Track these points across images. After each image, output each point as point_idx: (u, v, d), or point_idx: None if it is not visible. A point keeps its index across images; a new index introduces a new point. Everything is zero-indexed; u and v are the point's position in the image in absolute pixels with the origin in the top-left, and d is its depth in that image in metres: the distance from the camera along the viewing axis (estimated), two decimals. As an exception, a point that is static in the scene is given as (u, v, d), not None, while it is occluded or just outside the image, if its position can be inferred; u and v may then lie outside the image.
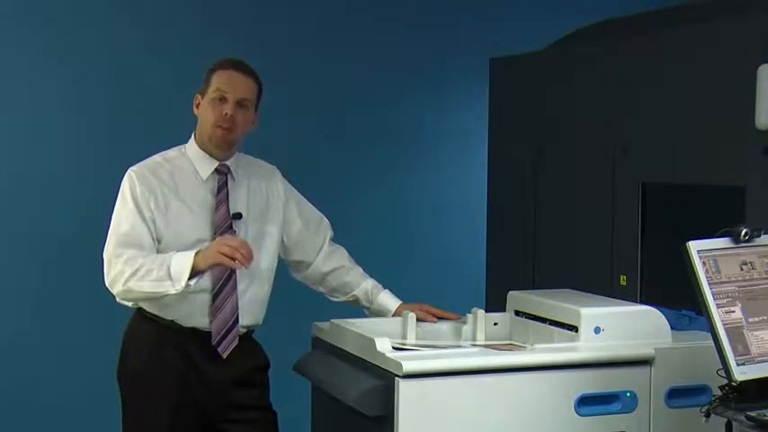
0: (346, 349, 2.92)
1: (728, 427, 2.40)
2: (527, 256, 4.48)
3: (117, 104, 4.93)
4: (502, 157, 4.76)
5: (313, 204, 3.42)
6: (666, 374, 2.79)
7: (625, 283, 3.84)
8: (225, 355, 3.14)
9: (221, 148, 3.18)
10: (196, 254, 3.01)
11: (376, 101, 5.44)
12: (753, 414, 2.31)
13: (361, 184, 5.39)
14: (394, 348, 2.75)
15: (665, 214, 3.77)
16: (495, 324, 3.18)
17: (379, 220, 5.39)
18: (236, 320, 3.14)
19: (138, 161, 3.23)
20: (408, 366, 2.59)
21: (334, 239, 3.43)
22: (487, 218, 4.84)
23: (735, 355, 2.40)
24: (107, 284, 3.14)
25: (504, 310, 3.22)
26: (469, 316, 3.15)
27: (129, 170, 3.20)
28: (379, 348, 2.71)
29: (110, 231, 3.17)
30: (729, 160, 3.39)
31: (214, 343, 3.12)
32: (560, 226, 4.30)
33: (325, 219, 3.41)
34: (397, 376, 2.59)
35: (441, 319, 3.19)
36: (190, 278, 2.99)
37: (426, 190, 5.59)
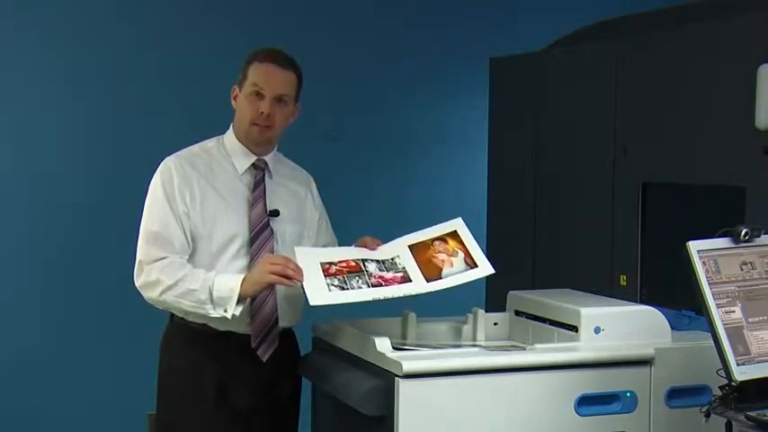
0: (346, 349, 2.92)
1: (728, 427, 2.40)
2: (527, 256, 4.48)
3: (116, 102, 4.92)
4: (502, 157, 4.77)
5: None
6: (666, 374, 2.78)
7: (625, 283, 3.84)
8: (265, 359, 3.03)
9: (258, 144, 3.09)
10: (243, 280, 2.89)
11: (376, 101, 5.44)
12: (753, 414, 2.31)
13: (360, 184, 5.39)
14: (394, 348, 2.74)
15: (665, 214, 3.77)
16: (495, 324, 3.17)
17: (378, 220, 5.35)
18: (276, 321, 3.04)
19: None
20: (408, 366, 2.59)
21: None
22: (487, 218, 4.84)
23: (735, 355, 2.40)
24: (137, 285, 2.99)
25: (504, 310, 3.22)
26: (469, 316, 3.14)
27: (164, 160, 3.06)
28: (379, 348, 2.71)
29: (141, 226, 3.03)
30: (729, 160, 3.39)
31: (254, 346, 3.01)
32: (560, 226, 4.31)
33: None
34: (397, 376, 2.59)
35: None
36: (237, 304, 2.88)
37: (426, 190, 5.58)
